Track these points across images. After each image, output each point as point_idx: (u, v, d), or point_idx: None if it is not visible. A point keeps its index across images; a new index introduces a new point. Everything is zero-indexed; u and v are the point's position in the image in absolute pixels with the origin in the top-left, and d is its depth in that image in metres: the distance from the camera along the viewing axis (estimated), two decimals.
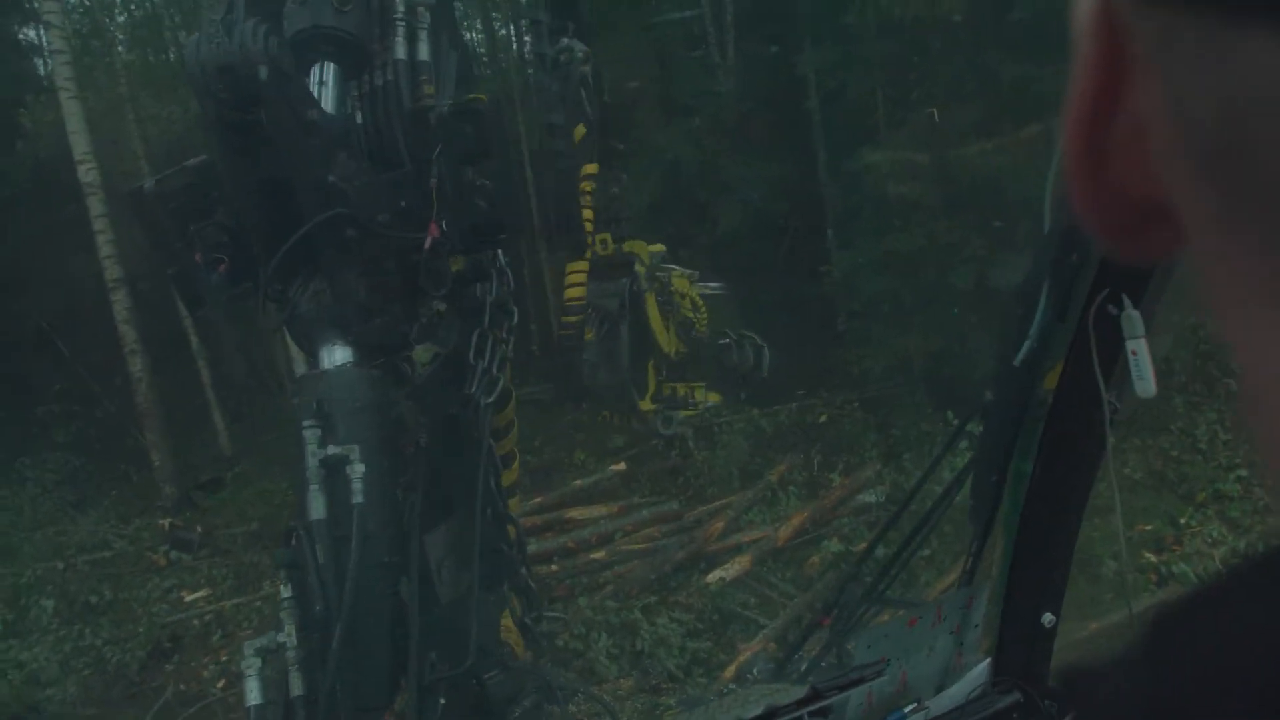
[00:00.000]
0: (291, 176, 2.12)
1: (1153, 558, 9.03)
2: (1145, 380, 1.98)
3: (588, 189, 8.21)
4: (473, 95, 2.42)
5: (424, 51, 2.44)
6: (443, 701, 2.03)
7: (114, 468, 13.68)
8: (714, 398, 9.31)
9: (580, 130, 7.94)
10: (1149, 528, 9.32)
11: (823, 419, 12.16)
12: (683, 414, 8.99)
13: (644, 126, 13.57)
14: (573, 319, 8.75)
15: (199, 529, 12.29)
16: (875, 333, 12.28)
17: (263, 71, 2.03)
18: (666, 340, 8.37)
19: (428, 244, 2.21)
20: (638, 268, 8.19)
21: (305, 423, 2.08)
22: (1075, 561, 2.74)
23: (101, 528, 12.57)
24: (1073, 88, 0.38)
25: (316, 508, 2.04)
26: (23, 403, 13.55)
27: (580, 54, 7.27)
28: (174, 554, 11.96)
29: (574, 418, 12.14)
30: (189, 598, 11.15)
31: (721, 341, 9.15)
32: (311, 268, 2.20)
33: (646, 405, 8.54)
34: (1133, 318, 1.95)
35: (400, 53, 2.45)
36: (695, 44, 14.41)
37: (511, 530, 3.46)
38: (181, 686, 9.73)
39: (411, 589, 2.08)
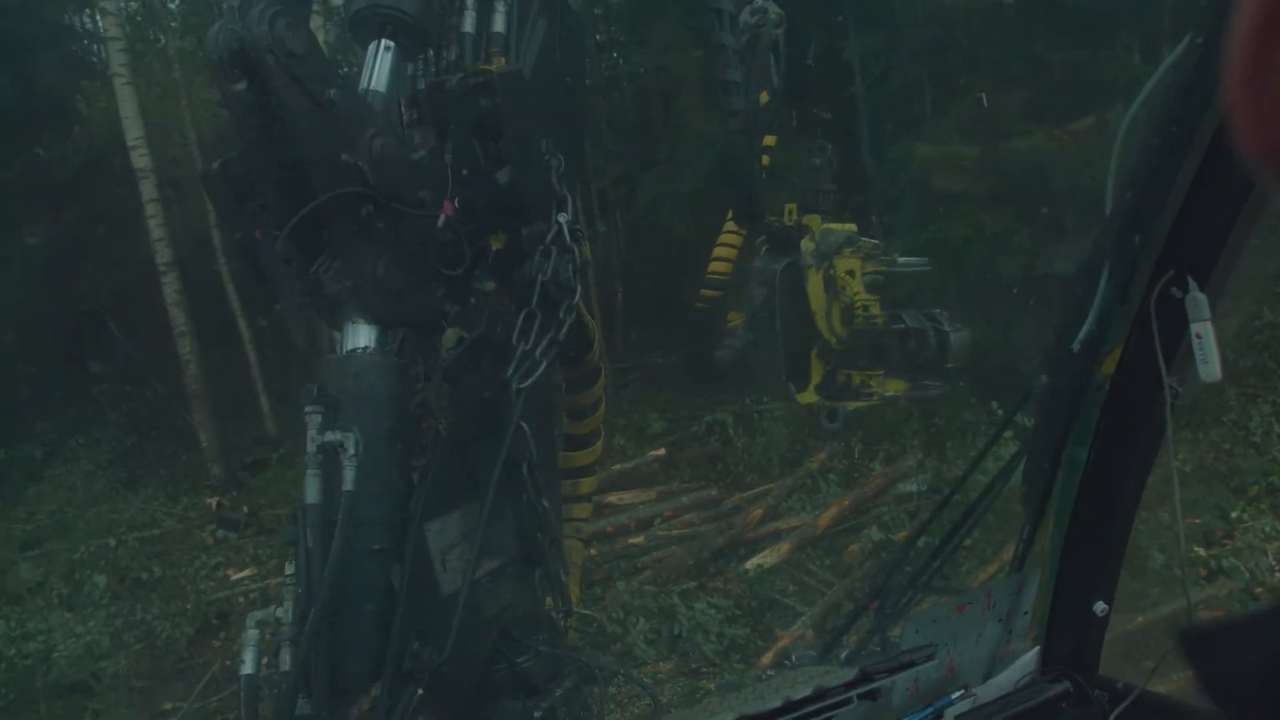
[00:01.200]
0: (301, 156, 2.12)
1: (1202, 552, 8.85)
2: (1210, 364, 1.93)
3: (764, 162, 7.66)
4: (483, 66, 2.35)
5: (499, 23, 2.42)
6: (420, 691, 2.02)
7: (163, 447, 14.00)
8: (896, 386, 8.10)
9: (763, 97, 7.45)
10: (1199, 521, 9.13)
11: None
12: (851, 406, 8.07)
13: (687, 114, 13.51)
14: (712, 294, 8.26)
15: (245, 509, 12.55)
16: None
17: (292, 46, 2.02)
18: (827, 326, 7.61)
19: (440, 221, 2.19)
20: (805, 243, 7.62)
21: (306, 408, 2.09)
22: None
23: (151, 506, 12.88)
24: (1241, 7, 0.36)
25: (311, 491, 2.06)
26: (77, 383, 13.91)
27: (774, 16, 6.85)
28: (221, 533, 12.22)
29: (613, 403, 12.16)
30: (235, 576, 11.40)
31: (895, 326, 8.19)
32: (334, 247, 2.17)
33: (808, 397, 7.83)
34: (1198, 300, 1.91)
35: (468, 25, 2.45)
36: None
37: (582, 515, 3.48)
38: (228, 662, 9.94)
39: (402, 576, 2.08)
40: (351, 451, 2.05)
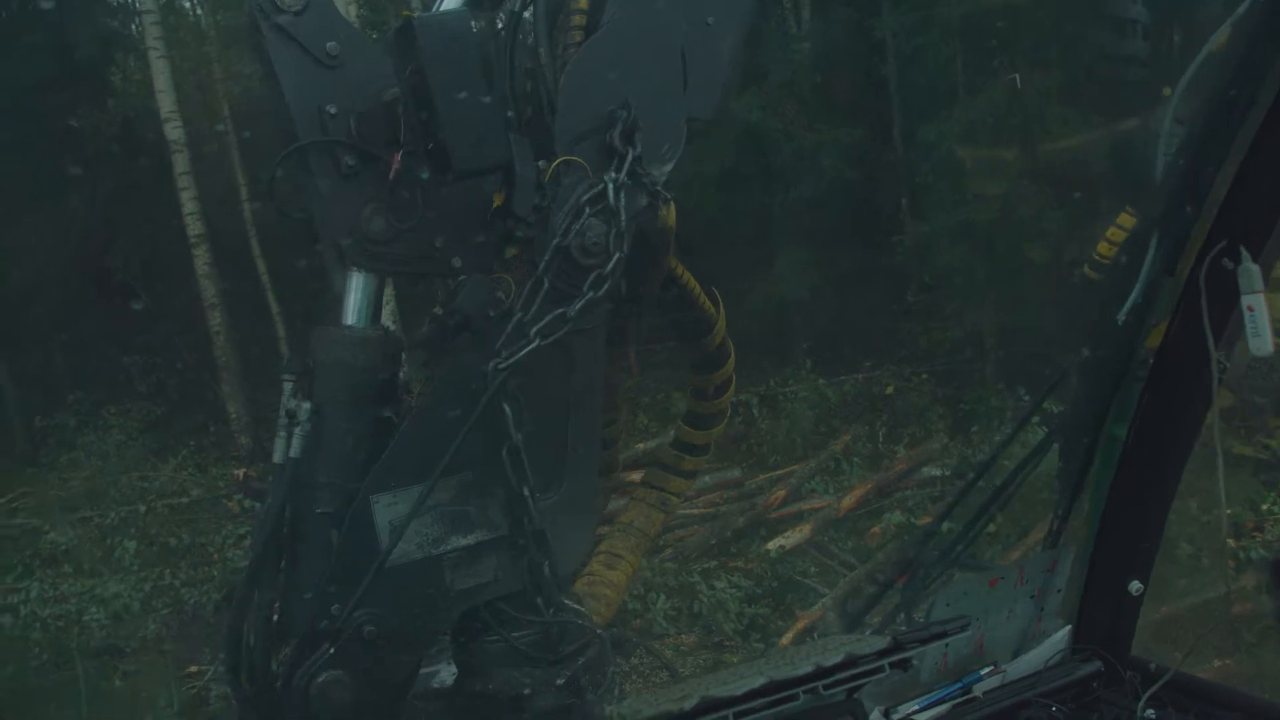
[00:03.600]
0: (293, 109, 2.11)
1: (1231, 543, 8.74)
2: (1262, 338, 1.89)
3: None
4: (406, 11, 2.27)
5: None
6: (331, 650, 2.08)
7: (192, 418, 14.16)
8: None
9: (1220, 41, 6.16)
10: (1229, 512, 9.02)
11: (889, 390, 11.99)
12: None
13: None
14: (1091, 274, 7.59)
15: (271, 479, 12.67)
16: (946, 305, 12.03)
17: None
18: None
19: (391, 174, 2.11)
20: None
21: (283, 375, 2.15)
22: None
23: (180, 475, 13.06)
24: None
25: (277, 453, 2.11)
26: (109, 353, 14.08)
27: None
28: (248, 502, 12.38)
29: (637, 381, 12.16)
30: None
31: None
32: (325, 196, 2.16)
33: None
34: (1251, 271, 1.87)
35: None
36: (770, 6, 14.13)
37: (676, 489, 3.37)
38: None
39: (339, 541, 2.12)
40: (301, 419, 2.10)
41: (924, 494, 10.31)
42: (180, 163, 12.78)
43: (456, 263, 2.24)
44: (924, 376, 12.05)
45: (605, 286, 2.15)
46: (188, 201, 12.90)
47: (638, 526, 3.67)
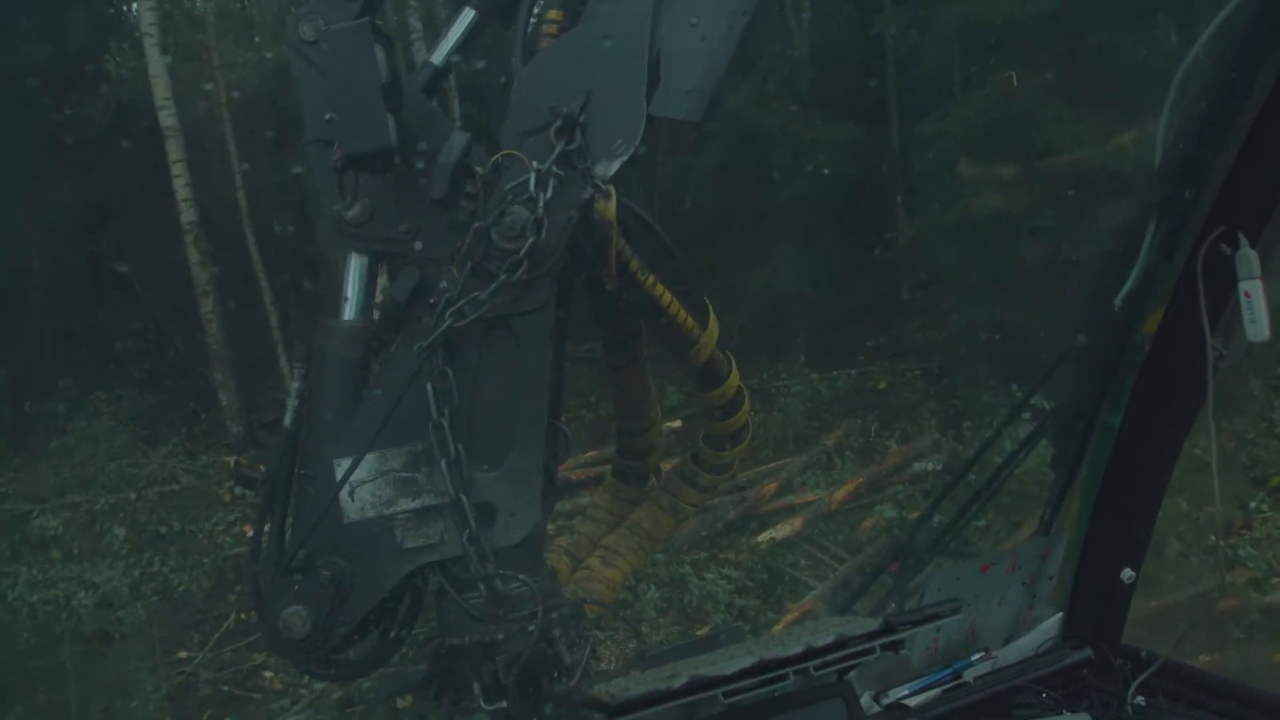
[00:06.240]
0: (306, 115, 2.41)
1: (1220, 540, 8.80)
2: (1258, 324, 1.90)
3: None
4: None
5: None
6: (297, 586, 2.38)
7: (184, 405, 14.12)
8: None
9: None
10: (1217, 510, 9.07)
11: (882, 386, 12.03)
12: None
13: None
14: None
15: (262, 467, 12.56)
16: (940, 301, 12.06)
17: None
18: None
19: (336, 163, 2.33)
20: None
21: (294, 362, 2.48)
22: None
23: (171, 462, 13.02)
24: None
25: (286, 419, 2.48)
26: (100, 339, 14.02)
27: None
28: (238, 490, 12.32)
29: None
30: (251, 532, 11.49)
31: None
32: (317, 188, 2.46)
33: None
34: (1249, 257, 1.87)
35: None
36: (770, 3, 14.13)
37: (689, 499, 3.52)
38: (242, 616, 10.06)
39: (309, 496, 2.45)
40: (292, 399, 2.45)
41: (915, 488, 10.36)
42: (174, 150, 12.71)
43: (418, 245, 2.43)
44: (917, 372, 12.09)
45: (521, 270, 2.29)
46: (180, 188, 12.83)
47: (645, 528, 3.73)
